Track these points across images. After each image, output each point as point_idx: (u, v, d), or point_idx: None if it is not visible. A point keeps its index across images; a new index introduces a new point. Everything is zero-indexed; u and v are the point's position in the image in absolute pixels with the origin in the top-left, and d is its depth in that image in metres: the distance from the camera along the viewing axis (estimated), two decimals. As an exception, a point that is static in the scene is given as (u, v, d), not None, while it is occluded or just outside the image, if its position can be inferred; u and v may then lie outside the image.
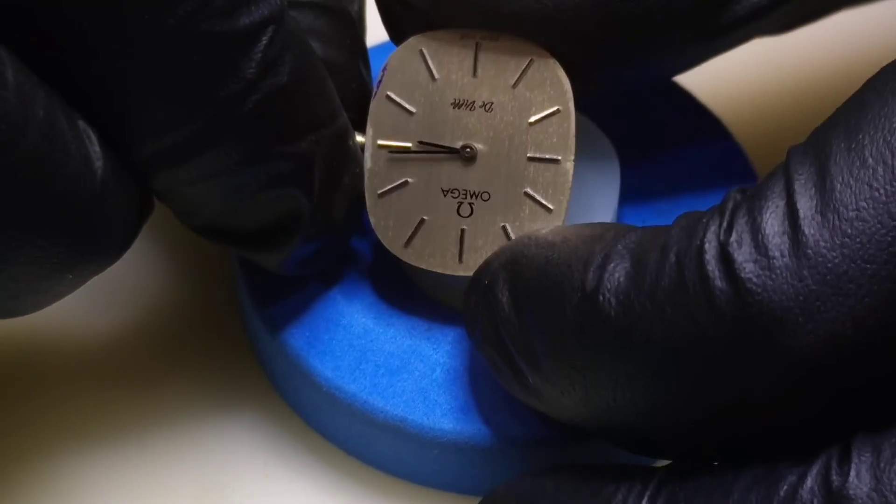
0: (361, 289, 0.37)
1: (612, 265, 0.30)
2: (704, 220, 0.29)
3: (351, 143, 0.34)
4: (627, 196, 0.38)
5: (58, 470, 0.36)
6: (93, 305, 0.39)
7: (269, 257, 0.34)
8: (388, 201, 0.35)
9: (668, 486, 0.30)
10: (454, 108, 0.34)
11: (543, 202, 0.34)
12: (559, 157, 0.34)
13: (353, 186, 0.34)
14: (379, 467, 0.36)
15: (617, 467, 0.31)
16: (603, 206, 0.37)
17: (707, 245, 0.29)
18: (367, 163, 0.35)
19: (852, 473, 0.27)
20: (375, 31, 0.38)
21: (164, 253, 0.40)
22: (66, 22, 0.29)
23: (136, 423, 0.37)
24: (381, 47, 0.40)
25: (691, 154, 0.40)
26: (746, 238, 0.28)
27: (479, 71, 0.34)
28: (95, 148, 0.30)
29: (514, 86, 0.34)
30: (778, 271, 0.28)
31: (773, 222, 0.28)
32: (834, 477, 0.27)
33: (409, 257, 0.35)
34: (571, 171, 0.34)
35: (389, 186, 0.35)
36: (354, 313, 0.36)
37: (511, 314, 0.32)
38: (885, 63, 0.30)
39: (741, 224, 0.29)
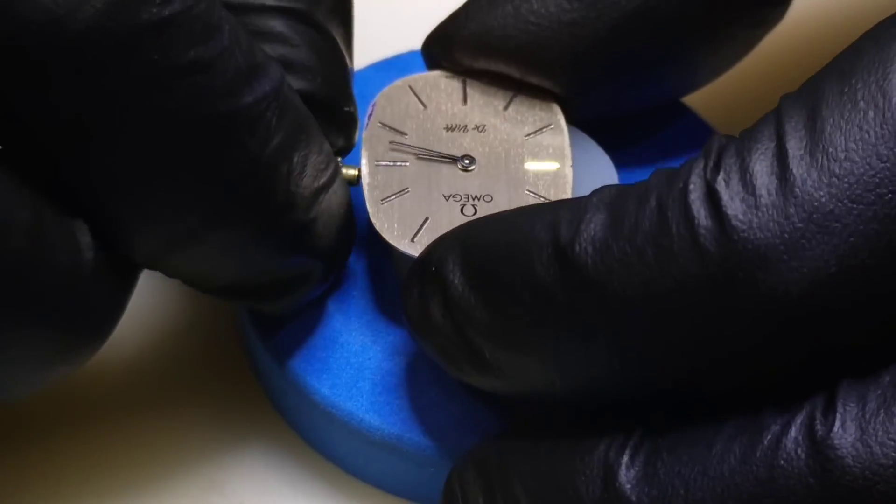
0: (359, 307, 0.37)
1: (587, 216, 0.29)
2: (687, 166, 0.29)
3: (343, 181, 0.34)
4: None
5: (58, 471, 0.36)
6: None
7: (277, 308, 0.34)
8: (391, 206, 0.35)
9: (650, 439, 0.29)
10: (447, 131, 0.35)
11: (547, 198, 0.35)
12: (557, 165, 0.34)
13: (346, 217, 0.34)
14: (376, 485, 0.36)
15: (598, 419, 0.30)
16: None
17: (692, 186, 0.28)
18: (366, 179, 0.35)
19: (837, 423, 0.27)
20: (382, 47, 0.38)
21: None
22: (58, 117, 0.28)
23: (135, 430, 0.37)
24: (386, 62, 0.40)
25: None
26: (735, 177, 0.28)
27: (469, 100, 0.34)
28: (87, 238, 0.30)
29: (505, 108, 0.34)
30: (764, 209, 0.28)
31: (762, 162, 0.28)
32: (818, 427, 0.27)
33: (417, 250, 0.34)
34: (570, 176, 0.34)
35: (390, 194, 0.35)
36: (352, 331, 0.36)
37: (465, 291, 0.31)
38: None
39: (729, 164, 0.28)
